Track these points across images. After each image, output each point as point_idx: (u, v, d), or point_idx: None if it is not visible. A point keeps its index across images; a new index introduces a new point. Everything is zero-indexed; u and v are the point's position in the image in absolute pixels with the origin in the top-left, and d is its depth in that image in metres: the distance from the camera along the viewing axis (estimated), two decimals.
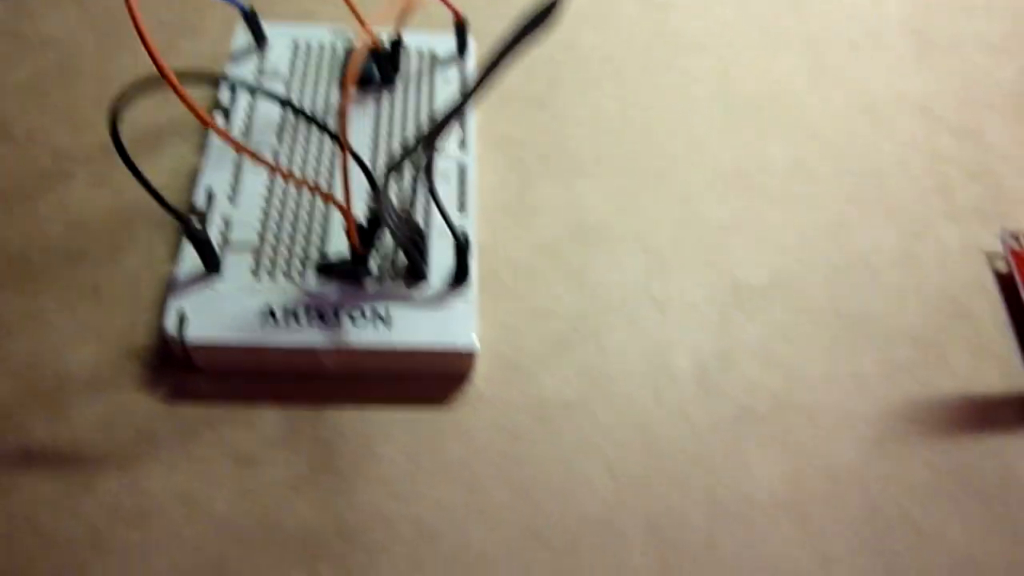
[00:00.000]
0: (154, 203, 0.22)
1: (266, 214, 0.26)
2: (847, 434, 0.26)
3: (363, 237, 0.24)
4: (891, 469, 0.25)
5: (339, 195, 0.25)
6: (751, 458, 0.25)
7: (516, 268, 0.28)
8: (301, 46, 0.31)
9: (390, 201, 0.23)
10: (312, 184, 0.23)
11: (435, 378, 0.26)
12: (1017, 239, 0.30)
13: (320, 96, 0.30)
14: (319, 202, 0.27)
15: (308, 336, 0.24)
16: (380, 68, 0.30)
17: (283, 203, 0.27)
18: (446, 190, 0.27)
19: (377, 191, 0.23)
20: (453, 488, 0.24)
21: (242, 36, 0.31)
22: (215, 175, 0.27)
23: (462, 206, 0.27)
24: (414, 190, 0.25)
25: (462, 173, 0.28)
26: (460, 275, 0.25)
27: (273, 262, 0.25)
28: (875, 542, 0.24)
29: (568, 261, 0.28)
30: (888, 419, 0.26)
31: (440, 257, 0.26)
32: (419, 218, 0.26)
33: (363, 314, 0.24)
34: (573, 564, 0.23)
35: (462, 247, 0.24)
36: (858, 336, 0.28)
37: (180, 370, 0.25)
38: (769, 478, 0.25)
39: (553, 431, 0.25)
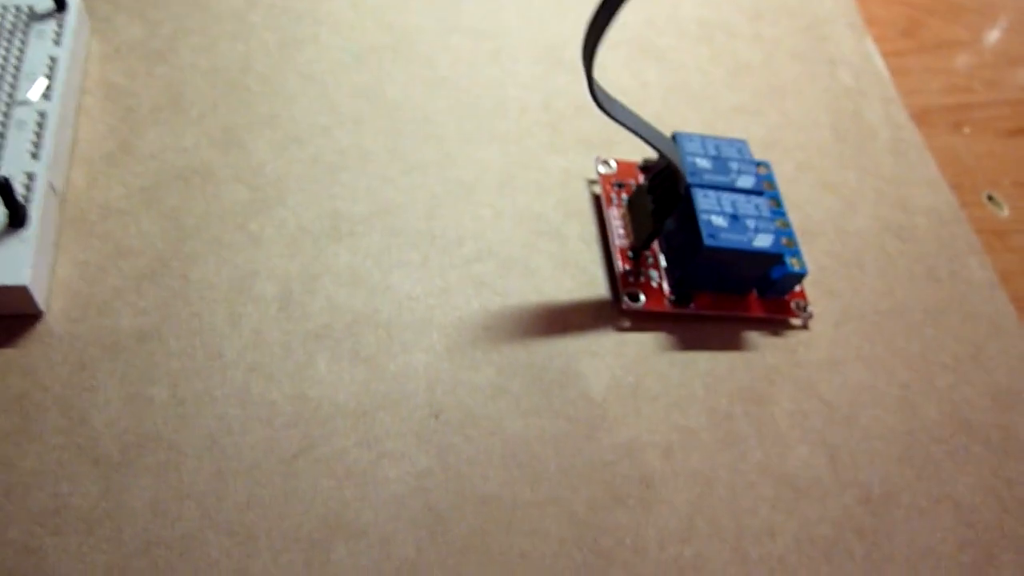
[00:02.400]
0: None
1: None
2: (421, 344, 0.28)
3: None
4: (459, 372, 0.27)
5: None
6: (321, 371, 0.26)
7: (108, 211, 0.28)
8: None
9: None
10: None
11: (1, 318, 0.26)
12: (607, 163, 0.33)
13: None
14: None
15: None
16: None
17: None
18: (21, 137, 0.27)
19: None
20: (5, 417, 0.24)
21: None
22: None
23: (36, 154, 0.27)
24: None
25: (42, 121, 0.28)
26: (14, 217, 0.25)
27: None
28: (435, 439, 0.26)
29: (164, 203, 0.29)
30: (463, 328, 0.28)
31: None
32: None
33: None
34: (125, 481, 0.23)
35: (5, 190, 0.24)
36: (450, 256, 0.30)
37: None
38: (337, 387, 0.26)
39: (122, 360, 0.25)
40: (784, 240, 0.31)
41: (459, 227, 0.31)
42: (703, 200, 0.29)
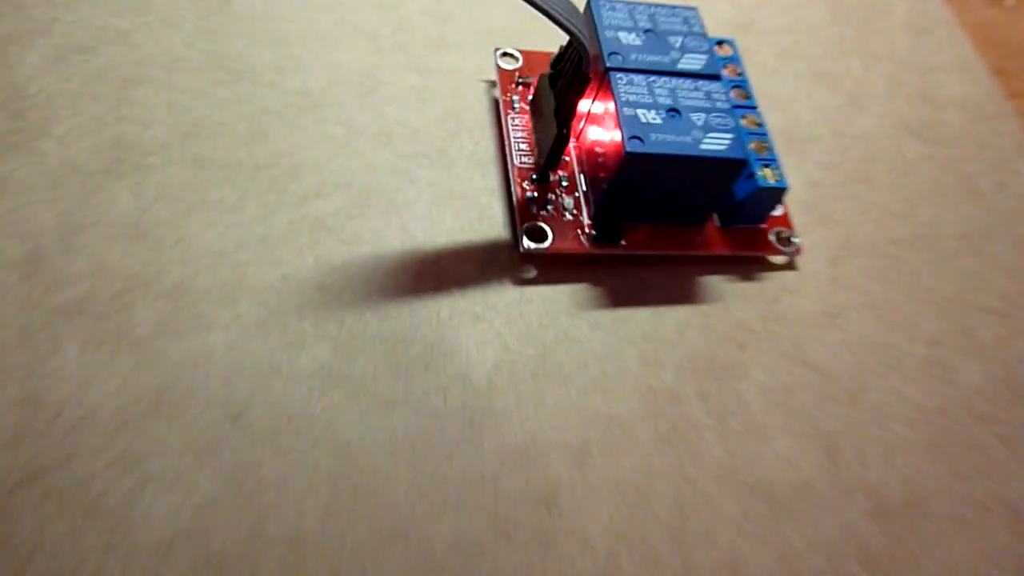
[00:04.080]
0: None
1: None
2: (222, 318, 0.19)
3: None
4: (274, 355, 0.19)
5: None
6: (68, 362, 0.18)
7: None
8: None
9: None
10: None
11: None
12: (511, 56, 0.24)
13: None
14: None
15: None
16: None
17: None
18: None
19: None
20: None
21: None
22: None
23: None
24: None
25: None
26: None
27: None
28: (229, 454, 0.17)
29: None
30: (287, 292, 0.20)
31: None
32: None
33: None
34: None
35: None
36: (277, 193, 0.21)
37: None
38: (89, 384, 0.18)
39: None
40: (753, 144, 0.22)
41: (295, 153, 0.22)
42: (625, 89, 0.20)
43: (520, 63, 0.24)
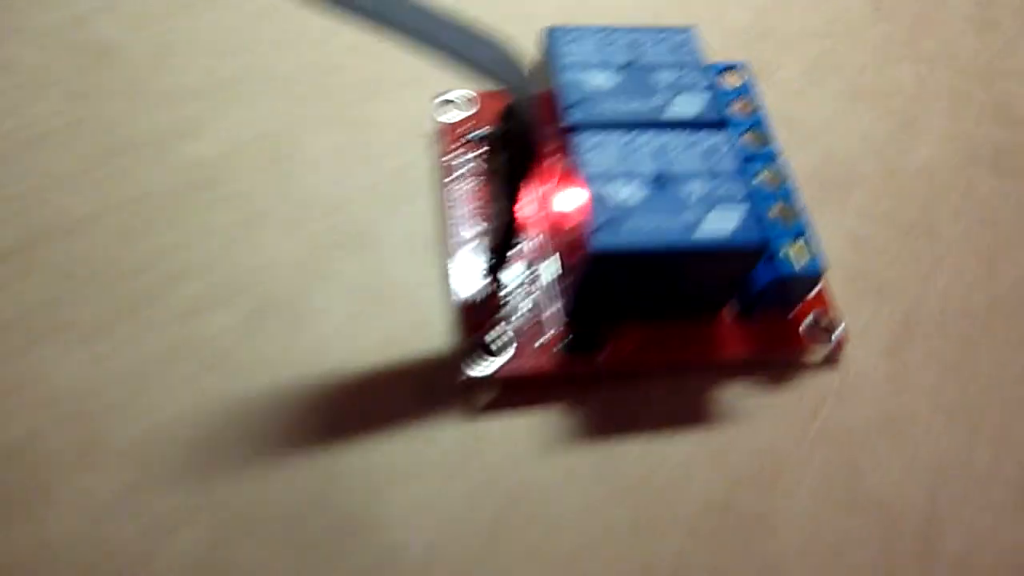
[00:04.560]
0: None
1: None
2: (71, 487, 0.14)
3: None
4: (105, 542, 0.14)
5: None
6: None
7: None
8: None
9: None
10: None
11: None
12: (456, 102, 0.19)
13: None
14: None
15: None
16: None
17: None
18: None
19: None
20: None
21: None
22: None
23: None
24: None
25: None
26: None
27: None
28: None
29: None
30: (138, 447, 0.15)
31: None
32: None
33: None
34: None
35: None
36: (141, 304, 0.17)
37: None
38: None
39: None
40: (776, 210, 0.16)
41: (179, 251, 0.17)
42: (592, 155, 0.15)
43: (474, 109, 0.19)
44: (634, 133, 0.15)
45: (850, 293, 0.18)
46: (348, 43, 0.21)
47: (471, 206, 0.18)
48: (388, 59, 0.20)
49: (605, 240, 0.14)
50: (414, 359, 0.16)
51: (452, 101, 0.19)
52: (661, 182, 0.15)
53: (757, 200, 0.16)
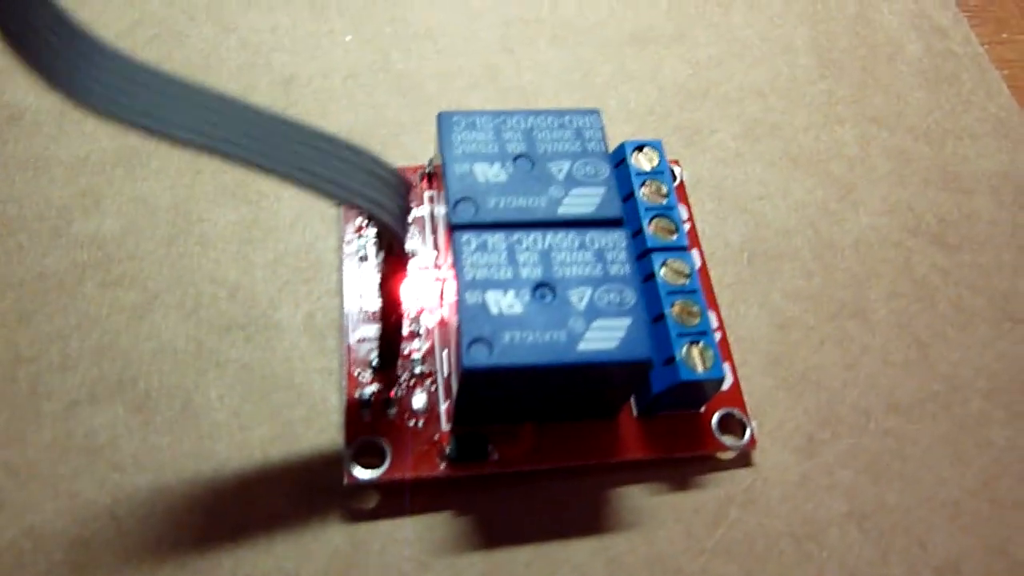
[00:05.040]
0: None
1: None
2: None
3: None
4: None
5: None
6: None
7: None
8: None
9: None
10: None
11: None
12: None
13: None
14: None
15: None
16: None
17: None
18: None
19: None
20: None
21: None
22: None
23: None
24: None
25: None
26: None
27: None
28: None
29: None
30: None
31: None
32: None
33: None
34: None
35: None
36: (23, 397, 0.16)
37: None
38: None
39: None
40: (676, 309, 0.15)
41: (65, 339, 0.16)
42: (474, 259, 0.14)
43: None
44: (521, 233, 0.14)
45: (769, 382, 0.17)
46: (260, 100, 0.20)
47: (369, 292, 0.17)
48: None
49: (477, 357, 0.13)
50: (299, 457, 0.16)
51: None
52: (546, 289, 0.14)
53: (654, 300, 0.15)
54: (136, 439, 0.16)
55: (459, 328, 0.13)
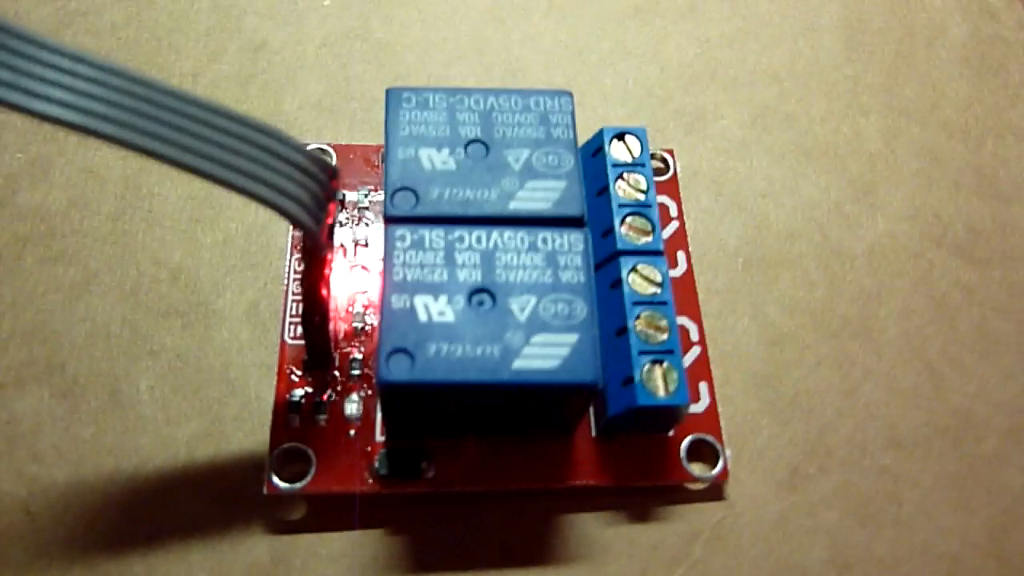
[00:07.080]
0: None
1: None
2: None
3: None
4: None
5: None
6: None
7: None
8: None
9: None
10: None
11: None
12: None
13: None
14: None
15: None
16: None
17: None
18: None
19: None
20: None
21: None
22: None
23: None
24: None
25: None
26: None
27: None
28: None
29: None
30: None
31: None
32: None
33: None
34: None
35: None
36: None
37: None
38: None
39: None
40: (644, 320, 0.14)
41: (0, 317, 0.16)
42: (406, 257, 0.13)
43: (335, 164, 0.17)
44: (464, 230, 0.13)
45: (752, 405, 0.15)
46: (209, 89, 0.19)
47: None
48: (251, 106, 0.18)
49: (396, 371, 0.12)
50: (226, 459, 0.15)
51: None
52: (485, 295, 0.12)
53: (619, 310, 0.14)
54: (59, 428, 0.15)
55: (380, 336, 0.12)
